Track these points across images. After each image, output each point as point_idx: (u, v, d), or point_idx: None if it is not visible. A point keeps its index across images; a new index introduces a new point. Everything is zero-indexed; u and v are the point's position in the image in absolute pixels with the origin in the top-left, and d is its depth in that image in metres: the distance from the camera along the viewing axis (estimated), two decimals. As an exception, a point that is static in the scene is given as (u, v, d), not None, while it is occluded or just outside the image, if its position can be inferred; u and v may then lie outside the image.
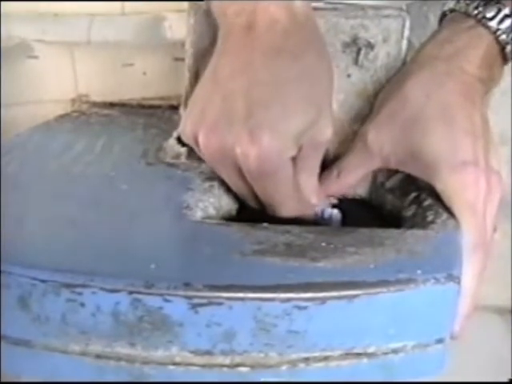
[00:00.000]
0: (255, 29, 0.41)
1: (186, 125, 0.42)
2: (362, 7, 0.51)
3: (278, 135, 0.40)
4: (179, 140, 0.50)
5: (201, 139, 0.41)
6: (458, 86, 0.45)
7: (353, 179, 0.48)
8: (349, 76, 0.52)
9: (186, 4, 0.48)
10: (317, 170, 0.45)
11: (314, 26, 0.43)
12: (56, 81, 0.63)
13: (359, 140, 0.47)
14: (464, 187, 0.42)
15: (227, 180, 0.44)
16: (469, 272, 0.40)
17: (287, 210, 0.44)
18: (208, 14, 0.46)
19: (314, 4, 0.46)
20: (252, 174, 0.41)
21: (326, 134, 0.42)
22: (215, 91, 0.41)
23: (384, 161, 0.46)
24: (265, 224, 0.42)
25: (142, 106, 0.64)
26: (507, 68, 0.50)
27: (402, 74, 0.48)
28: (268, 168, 0.40)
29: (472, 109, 0.44)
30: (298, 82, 0.41)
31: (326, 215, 0.46)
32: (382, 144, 0.45)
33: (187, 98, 0.49)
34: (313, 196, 0.45)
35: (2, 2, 0.62)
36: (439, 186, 0.43)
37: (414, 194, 0.47)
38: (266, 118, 0.39)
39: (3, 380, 0.38)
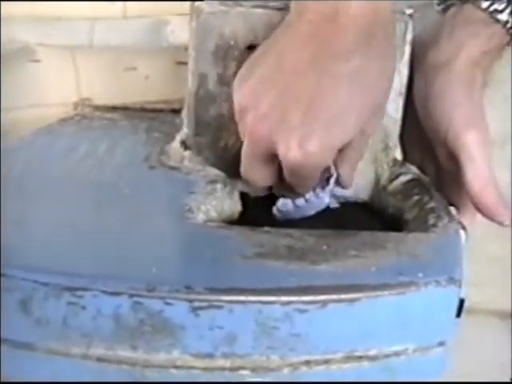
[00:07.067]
0: (337, 22, 0.39)
1: (241, 90, 0.42)
2: None
3: (325, 147, 0.40)
4: (183, 143, 0.50)
5: (249, 120, 0.41)
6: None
7: None
8: None
9: (188, 8, 0.48)
10: (358, 161, 0.46)
11: (393, 29, 0.42)
12: (58, 84, 0.63)
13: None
14: None
15: (249, 153, 0.43)
16: None
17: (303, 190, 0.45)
18: (211, 16, 0.47)
19: None
20: (287, 168, 0.42)
21: (374, 129, 0.44)
22: (277, 77, 0.40)
23: None
24: (266, 227, 0.42)
25: (145, 110, 0.64)
26: (508, 71, 0.50)
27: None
28: (305, 170, 0.41)
29: None
30: (361, 92, 0.40)
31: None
32: None
33: (189, 102, 0.49)
34: (350, 186, 0.46)
35: (4, 6, 0.62)
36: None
37: (415, 198, 0.47)
38: (320, 127, 0.39)
39: (3, 380, 0.38)
